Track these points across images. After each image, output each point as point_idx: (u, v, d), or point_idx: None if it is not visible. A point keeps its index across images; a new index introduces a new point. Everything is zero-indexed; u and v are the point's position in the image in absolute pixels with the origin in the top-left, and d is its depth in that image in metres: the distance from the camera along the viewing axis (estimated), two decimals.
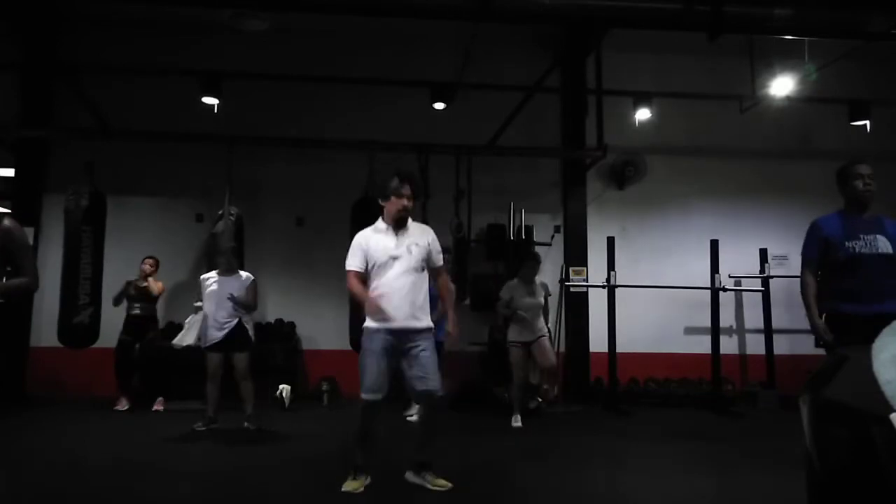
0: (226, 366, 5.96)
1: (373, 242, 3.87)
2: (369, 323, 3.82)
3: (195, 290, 7.93)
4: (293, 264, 7.92)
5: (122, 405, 7.08)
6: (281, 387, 7.50)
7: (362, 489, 3.84)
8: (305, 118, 8.66)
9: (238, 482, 4.27)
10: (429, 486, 3.87)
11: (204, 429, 5.81)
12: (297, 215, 8.90)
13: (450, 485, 3.87)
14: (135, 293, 7.20)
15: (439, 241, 4.09)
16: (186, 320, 6.34)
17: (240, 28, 8.14)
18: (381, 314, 3.72)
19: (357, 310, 4.07)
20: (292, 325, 8.50)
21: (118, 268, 7.61)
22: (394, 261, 3.80)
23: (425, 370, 3.76)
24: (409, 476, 3.98)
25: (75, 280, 7.32)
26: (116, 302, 7.15)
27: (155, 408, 7.04)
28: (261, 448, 5.37)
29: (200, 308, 5.99)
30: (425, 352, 3.79)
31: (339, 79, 8.08)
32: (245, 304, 5.90)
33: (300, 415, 7.10)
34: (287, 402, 7.48)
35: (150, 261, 7.31)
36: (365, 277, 3.88)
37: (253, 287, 6.02)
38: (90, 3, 8.10)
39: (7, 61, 8.11)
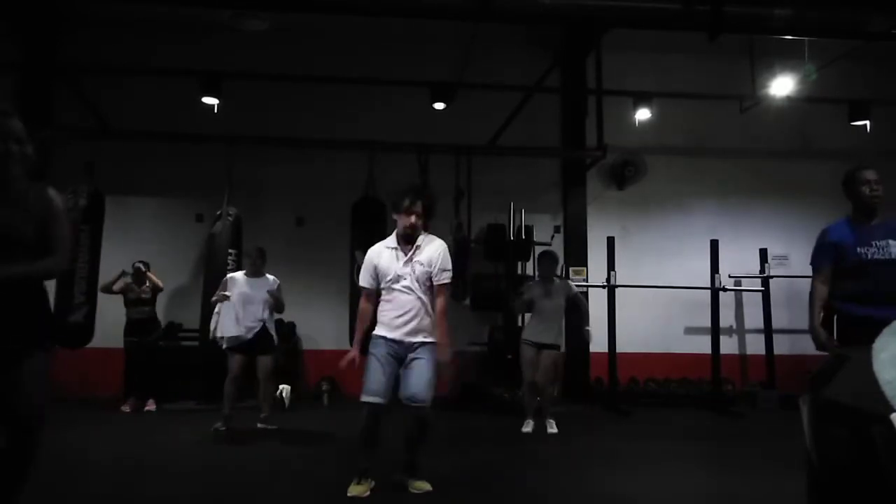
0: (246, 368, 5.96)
1: (382, 260, 3.93)
2: (377, 331, 3.91)
3: (195, 289, 8.00)
4: (293, 264, 7.90)
5: (129, 407, 7.08)
6: (281, 387, 7.49)
7: (367, 493, 3.83)
8: (305, 118, 8.65)
9: (238, 482, 4.27)
10: (410, 489, 3.90)
11: (224, 429, 5.79)
12: (297, 215, 8.91)
13: (429, 488, 3.89)
14: (134, 298, 7.27)
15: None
16: (216, 310, 6.00)
17: (240, 28, 8.14)
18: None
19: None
20: (292, 326, 8.50)
21: (118, 268, 7.59)
22: (399, 279, 3.86)
23: (414, 379, 3.79)
24: (396, 475, 4.00)
25: (71, 279, 7.32)
26: (106, 289, 7.29)
27: (147, 408, 7.06)
28: (262, 448, 5.36)
29: (227, 297, 5.81)
30: (420, 360, 3.82)
31: (339, 79, 8.07)
32: (277, 309, 6.05)
33: (300, 415, 7.10)
34: (287, 402, 7.48)
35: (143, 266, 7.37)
36: (377, 292, 3.96)
37: (279, 290, 6.05)
38: (90, 3, 8.09)
39: (7, 61, 8.11)
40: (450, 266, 3.96)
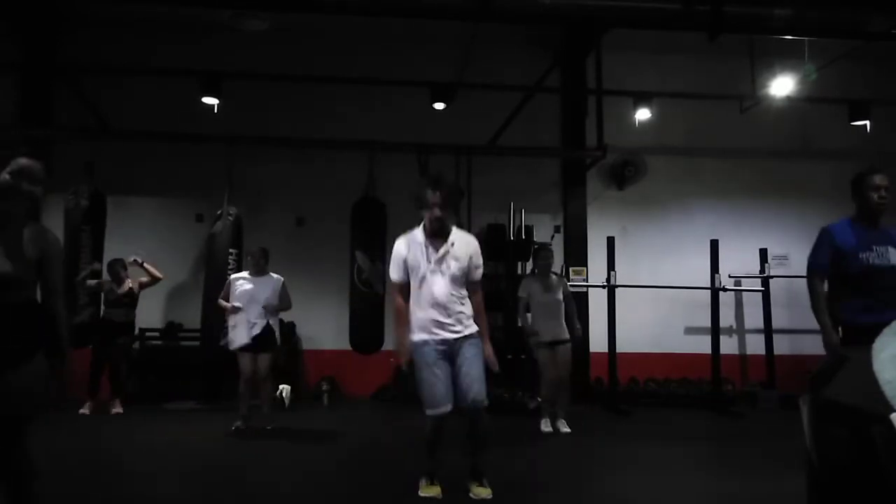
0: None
1: (411, 254, 3.75)
2: (417, 336, 3.72)
3: (196, 289, 8.00)
4: (293, 264, 7.89)
5: (88, 409, 6.94)
6: (281, 387, 7.49)
7: (440, 497, 3.71)
8: (305, 118, 8.65)
9: (239, 482, 4.27)
10: (471, 494, 3.75)
11: (244, 427, 5.82)
12: (297, 215, 8.91)
13: (488, 495, 3.72)
14: (113, 298, 7.17)
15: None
16: (232, 324, 6.00)
17: (240, 28, 8.14)
18: (423, 331, 3.69)
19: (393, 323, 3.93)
20: (292, 326, 8.50)
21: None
22: (431, 275, 3.70)
23: (470, 378, 3.65)
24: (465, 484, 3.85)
25: (73, 280, 7.31)
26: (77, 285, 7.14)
27: (114, 410, 6.98)
28: (262, 448, 5.36)
29: (240, 308, 5.84)
30: (471, 359, 3.69)
31: (339, 79, 8.07)
32: (283, 307, 6.08)
33: (300, 415, 7.10)
34: (287, 402, 7.48)
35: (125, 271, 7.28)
36: (409, 284, 3.80)
37: (284, 288, 6.05)
38: (90, 3, 8.09)
39: (7, 61, 8.11)
40: (481, 263, 3.86)
